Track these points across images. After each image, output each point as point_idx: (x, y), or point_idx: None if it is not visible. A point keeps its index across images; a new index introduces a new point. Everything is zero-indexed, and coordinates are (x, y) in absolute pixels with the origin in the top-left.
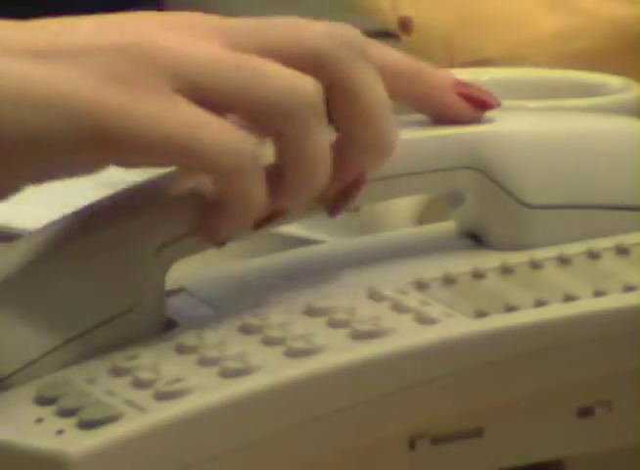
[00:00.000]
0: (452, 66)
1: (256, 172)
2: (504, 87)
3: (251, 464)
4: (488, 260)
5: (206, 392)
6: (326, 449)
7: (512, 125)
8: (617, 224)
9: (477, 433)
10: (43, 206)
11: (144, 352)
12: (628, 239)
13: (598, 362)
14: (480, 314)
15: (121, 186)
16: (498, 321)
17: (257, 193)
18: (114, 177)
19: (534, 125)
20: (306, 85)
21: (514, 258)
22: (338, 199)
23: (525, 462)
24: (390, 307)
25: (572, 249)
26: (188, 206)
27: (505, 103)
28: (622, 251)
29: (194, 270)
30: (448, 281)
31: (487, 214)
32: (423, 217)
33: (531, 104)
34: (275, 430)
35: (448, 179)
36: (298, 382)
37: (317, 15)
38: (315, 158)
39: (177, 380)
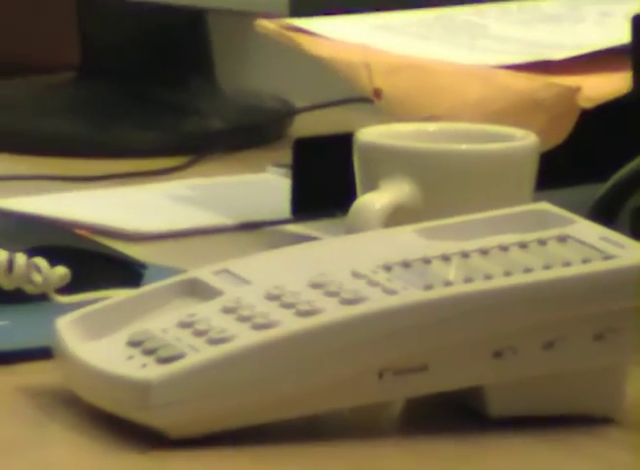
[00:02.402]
0: (410, 121)
1: None
2: (446, 135)
3: (268, 394)
4: (433, 251)
5: (242, 339)
6: (327, 379)
7: None
8: None
9: (424, 367)
10: (127, 211)
11: (200, 311)
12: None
13: (501, 321)
14: (427, 287)
15: (188, 199)
16: (439, 292)
17: None
18: (182, 192)
19: None
20: None
21: (451, 249)
22: None
23: (457, 387)
24: (366, 283)
25: (490, 242)
26: None
27: (445, 146)
28: (523, 245)
29: (232, 258)
30: (405, 265)
31: None
32: (388, 223)
33: (463, 146)
34: (289, 367)
35: None
36: (304, 334)
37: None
38: None
39: (222, 331)
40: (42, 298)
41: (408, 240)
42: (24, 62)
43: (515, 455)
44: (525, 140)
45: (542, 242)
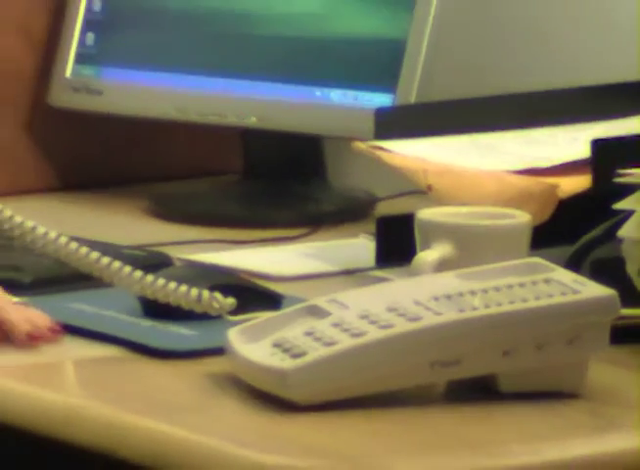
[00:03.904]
0: (450, 206)
1: None
2: (474, 214)
3: (361, 378)
4: (465, 288)
5: (344, 343)
6: (397, 368)
7: None
8: None
9: (458, 362)
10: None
11: (317, 326)
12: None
13: (520, 332)
14: (461, 311)
15: (310, 255)
16: (469, 314)
17: None
18: (305, 250)
19: None
20: None
21: (476, 287)
22: None
23: (479, 374)
24: (423, 308)
25: (500, 283)
26: None
27: (473, 221)
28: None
29: (337, 291)
30: (447, 297)
31: None
32: (437, 270)
33: (484, 222)
34: (373, 361)
35: None
36: (383, 340)
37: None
38: None
39: (331, 338)
40: (219, 317)
41: (449, 281)
42: (207, 168)
43: (513, 415)
44: (522, 218)
45: (534, 282)
